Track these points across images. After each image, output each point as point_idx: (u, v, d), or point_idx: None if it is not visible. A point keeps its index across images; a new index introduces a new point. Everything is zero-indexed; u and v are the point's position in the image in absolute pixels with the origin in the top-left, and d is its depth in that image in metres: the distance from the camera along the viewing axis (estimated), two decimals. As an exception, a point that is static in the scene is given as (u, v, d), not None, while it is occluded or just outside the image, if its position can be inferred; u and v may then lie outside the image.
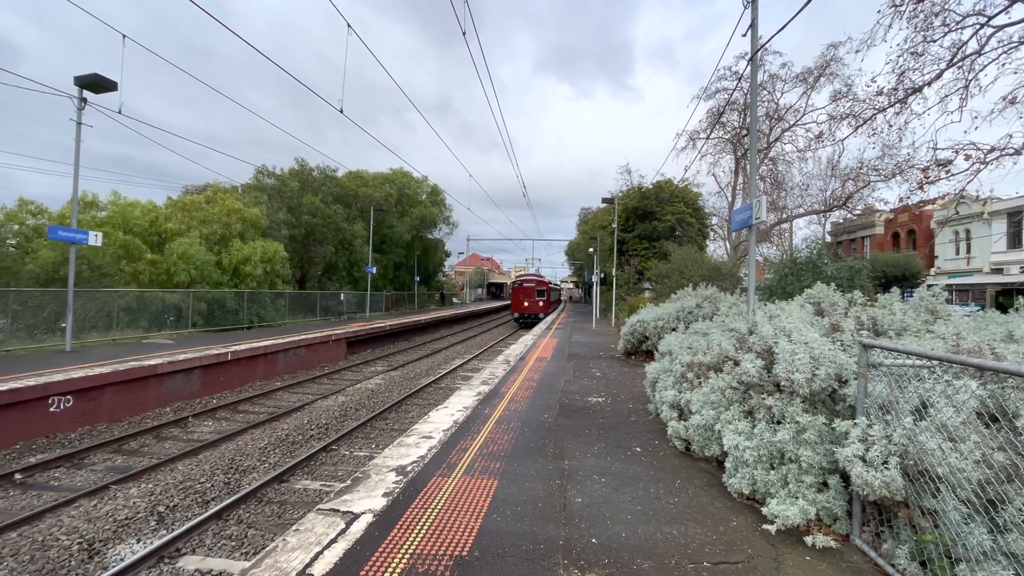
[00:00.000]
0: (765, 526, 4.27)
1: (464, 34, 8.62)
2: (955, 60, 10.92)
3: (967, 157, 10.86)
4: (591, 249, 39.57)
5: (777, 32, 8.29)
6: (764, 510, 4.46)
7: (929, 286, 6.47)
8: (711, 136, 28.41)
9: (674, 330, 11.62)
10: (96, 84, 14.35)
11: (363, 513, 4.44)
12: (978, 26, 10.46)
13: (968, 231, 35.70)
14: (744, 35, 8.60)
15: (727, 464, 5.12)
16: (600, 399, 9.45)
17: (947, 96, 11.10)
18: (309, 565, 3.59)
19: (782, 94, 27.14)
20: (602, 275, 35.46)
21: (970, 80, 10.78)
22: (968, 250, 35.95)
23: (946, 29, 10.84)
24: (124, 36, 7.16)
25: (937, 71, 11.25)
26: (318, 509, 4.54)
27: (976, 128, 11.29)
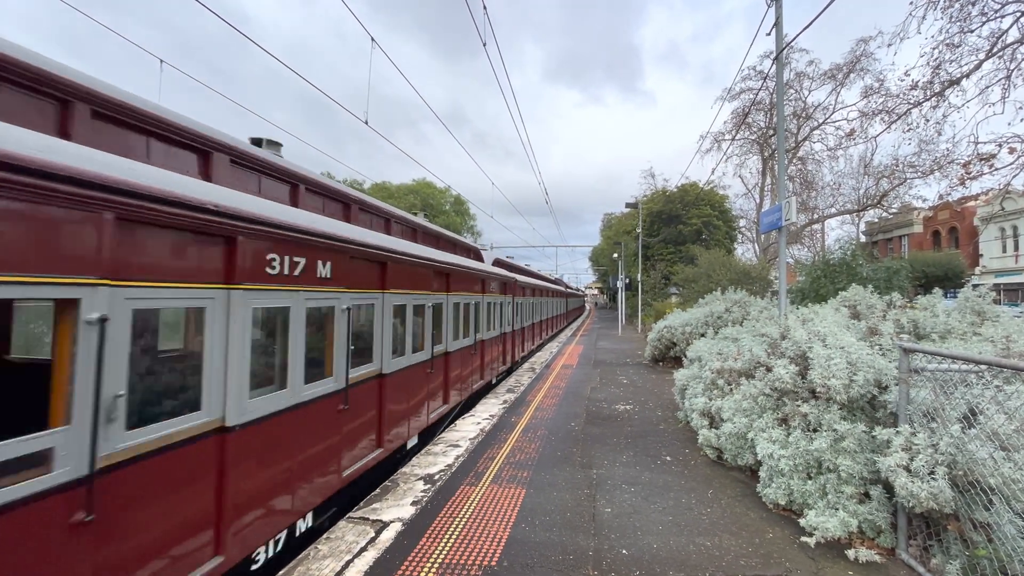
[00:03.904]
0: (803, 538, 4.11)
1: (484, 45, 8.73)
2: (995, 50, 10.47)
3: (1012, 150, 10.36)
4: (615, 255, 39.21)
5: (803, 30, 8.11)
6: (802, 521, 4.30)
7: (974, 286, 6.17)
8: (736, 137, 27.91)
9: (703, 335, 11.38)
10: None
11: (392, 522, 4.47)
12: (1019, 13, 10.01)
13: (1015, 227, 33.96)
14: (768, 34, 8.45)
15: (761, 473, 4.97)
16: (628, 407, 9.31)
17: (988, 87, 10.64)
18: (340, 573, 3.63)
19: (810, 92, 26.52)
20: (627, 281, 35.08)
21: (1012, 70, 10.31)
22: (1016, 247, 34.17)
23: (984, 18, 10.41)
24: (162, 61, 7.50)
25: (976, 62, 10.80)
26: (348, 517, 4.59)
27: (1021, 120, 10.76)
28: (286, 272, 4.09)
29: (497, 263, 15.73)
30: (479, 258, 12.85)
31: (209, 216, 3.26)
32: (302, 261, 4.26)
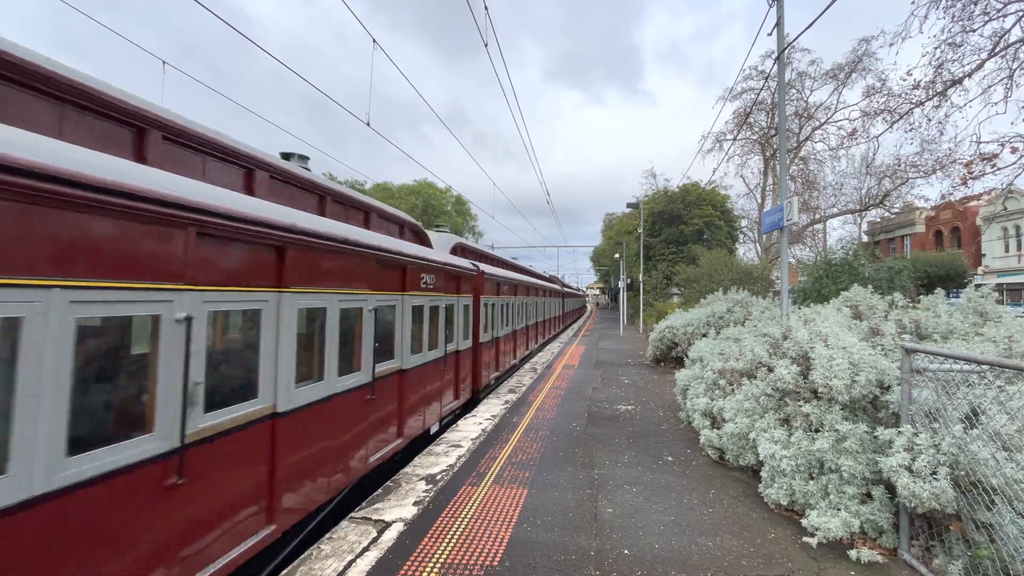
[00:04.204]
0: (805, 539, 4.11)
1: (487, 46, 8.74)
2: (997, 49, 10.44)
3: (1014, 150, 10.33)
4: (617, 255, 39.19)
5: (804, 30, 8.11)
6: (804, 522, 4.30)
7: (977, 286, 6.16)
8: (738, 137, 27.88)
9: (704, 336, 11.38)
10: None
11: (394, 522, 4.48)
12: (1021, 13, 9.99)
13: (1018, 227, 33.86)
14: (770, 34, 8.44)
15: (763, 474, 4.97)
16: (629, 407, 9.31)
17: (990, 87, 10.61)
18: (343, 573, 3.65)
19: (811, 92, 26.48)
20: (629, 281, 35.07)
21: (1015, 69, 10.28)
22: (1019, 247, 34.07)
23: (986, 18, 10.39)
24: (164, 63, 7.54)
25: (978, 61, 10.78)
26: (350, 517, 4.61)
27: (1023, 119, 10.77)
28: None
29: (460, 251, 11.33)
30: (421, 239, 8.57)
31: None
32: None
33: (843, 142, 24.85)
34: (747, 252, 36.85)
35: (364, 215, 6.85)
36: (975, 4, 10.38)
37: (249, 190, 4.67)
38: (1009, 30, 10.25)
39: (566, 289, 38.79)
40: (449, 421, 8.75)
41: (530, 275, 22.25)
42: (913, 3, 10.78)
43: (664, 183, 40.77)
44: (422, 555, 3.91)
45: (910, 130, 13.44)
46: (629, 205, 33.29)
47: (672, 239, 36.79)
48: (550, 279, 31.48)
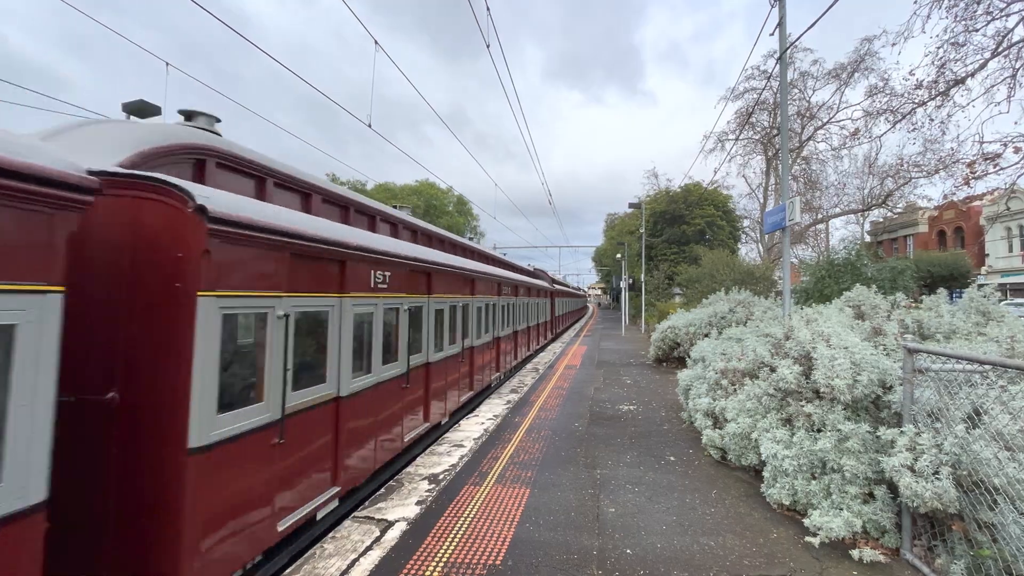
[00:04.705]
0: (808, 538, 4.11)
1: (488, 47, 8.76)
2: (1000, 49, 10.41)
3: (1017, 149, 10.30)
4: (618, 255, 39.17)
5: (806, 30, 8.12)
6: (806, 522, 4.30)
7: (980, 286, 6.15)
8: (740, 137, 27.82)
9: (706, 336, 11.36)
10: (142, 110, 15.19)
11: (397, 521, 4.50)
12: (1024, 12, 9.95)
13: (1021, 227, 33.74)
14: (772, 34, 8.44)
15: (765, 474, 4.98)
16: (631, 407, 9.31)
17: (993, 87, 10.58)
18: (346, 572, 3.66)
19: (814, 91, 26.42)
20: (631, 281, 35.04)
21: (1017, 69, 10.25)
22: (1022, 247, 33.95)
23: (989, 17, 10.36)
24: (167, 64, 7.57)
25: (981, 61, 10.75)
26: (353, 517, 4.62)
27: (1026, 119, 10.79)
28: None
29: (217, 164, 4.87)
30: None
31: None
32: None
33: (845, 142, 24.74)
34: (749, 252, 36.80)
35: None
36: (978, 3, 10.35)
37: None
38: (1012, 29, 10.22)
39: (558, 287, 30.44)
40: None
41: (487, 260, 14.80)
42: (916, 2, 10.75)
43: (666, 183, 40.76)
44: (425, 554, 3.93)
45: (913, 130, 13.41)
46: (631, 205, 33.26)
47: (674, 239, 36.75)
48: (534, 273, 23.85)
